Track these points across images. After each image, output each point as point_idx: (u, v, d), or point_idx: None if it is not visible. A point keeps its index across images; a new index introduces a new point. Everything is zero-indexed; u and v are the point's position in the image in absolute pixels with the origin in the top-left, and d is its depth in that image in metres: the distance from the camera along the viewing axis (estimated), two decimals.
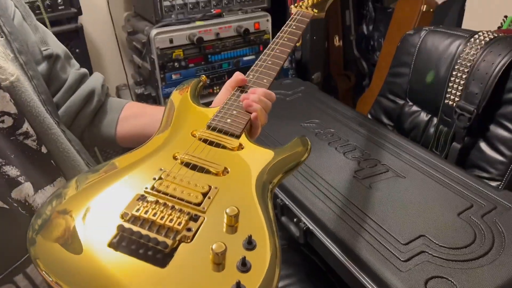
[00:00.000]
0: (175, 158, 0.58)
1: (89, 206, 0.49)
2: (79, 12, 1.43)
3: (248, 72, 0.77)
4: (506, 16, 1.56)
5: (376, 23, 2.59)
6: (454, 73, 1.11)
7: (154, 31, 1.53)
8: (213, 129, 0.65)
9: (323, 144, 1.14)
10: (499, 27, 1.60)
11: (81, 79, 0.80)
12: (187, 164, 0.56)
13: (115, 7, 1.82)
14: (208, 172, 0.56)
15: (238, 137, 0.64)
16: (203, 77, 0.79)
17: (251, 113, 0.68)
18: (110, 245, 0.45)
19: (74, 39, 1.45)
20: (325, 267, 1.22)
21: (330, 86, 2.52)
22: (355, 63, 2.63)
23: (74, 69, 0.80)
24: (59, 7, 1.38)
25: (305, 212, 0.96)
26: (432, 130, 1.22)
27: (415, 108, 1.29)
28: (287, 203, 1.02)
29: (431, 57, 1.20)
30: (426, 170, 1.00)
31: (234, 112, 0.68)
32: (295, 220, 0.99)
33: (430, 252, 0.78)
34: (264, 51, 0.81)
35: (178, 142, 0.62)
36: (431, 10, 1.99)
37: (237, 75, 0.75)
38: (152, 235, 0.45)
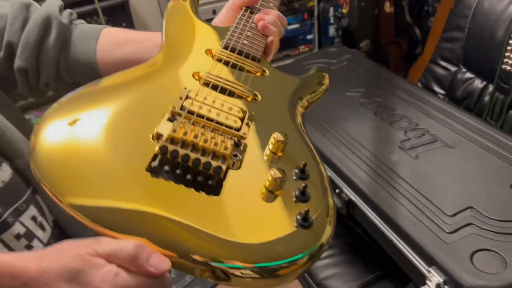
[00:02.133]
0: (196, 77, 0.51)
1: (110, 121, 0.41)
2: None
3: None
4: None
5: None
6: None
7: None
8: (232, 50, 0.57)
9: (368, 114, 1.11)
10: None
11: (27, 8, 0.62)
12: (214, 87, 0.50)
13: None
14: (238, 96, 0.50)
15: (259, 60, 0.58)
16: None
17: (267, 36, 0.62)
18: (150, 169, 0.38)
19: (121, 13, 1.49)
20: (368, 238, 1.21)
21: (380, 55, 2.42)
22: (407, 29, 2.49)
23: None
24: None
25: (347, 183, 0.95)
26: (487, 98, 1.14)
27: (469, 75, 1.21)
28: (328, 174, 1.01)
29: (487, 19, 1.11)
30: (478, 140, 0.94)
31: (249, 33, 0.61)
32: (337, 190, 0.98)
33: (478, 224, 0.75)
34: None
35: (195, 61, 0.55)
36: None
37: None
38: (204, 159, 0.39)
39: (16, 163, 0.53)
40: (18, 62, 0.60)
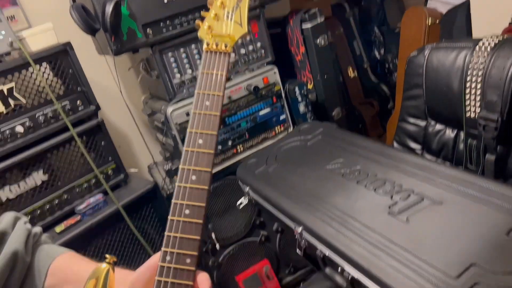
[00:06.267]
0: None
1: None
2: (98, 108, 1.52)
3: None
4: None
5: (387, 46, 2.58)
6: (467, 85, 1.08)
7: (170, 109, 1.59)
8: None
9: (352, 184, 1.12)
10: (510, 23, 1.55)
11: (1, 240, 0.73)
12: None
13: (131, 93, 1.92)
14: None
15: None
16: (108, 257, 0.66)
17: None
18: None
19: (98, 134, 1.53)
20: None
21: (355, 117, 2.50)
22: (375, 89, 2.61)
23: None
24: (79, 108, 1.47)
25: (347, 260, 0.93)
26: (462, 145, 1.17)
27: (438, 126, 1.24)
28: (327, 253, 0.99)
29: (440, 74, 1.17)
30: (463, 191, 0.94)
31: None
32: (339, 269, 0.96)
33: (485, 281, 0.72)
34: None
35: None
36: (437, 21, 1.97)
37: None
38: None
39: None
40: None
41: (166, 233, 0.65)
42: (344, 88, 2.44)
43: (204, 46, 0.72)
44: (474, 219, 0.87)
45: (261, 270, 1.90)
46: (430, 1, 2.22)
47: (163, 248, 0.65)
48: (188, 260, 0.64)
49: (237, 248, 1.85)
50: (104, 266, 0.66)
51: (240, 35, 0.73)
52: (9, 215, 0.78)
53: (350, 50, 2.52)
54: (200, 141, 0.68)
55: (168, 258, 0.64)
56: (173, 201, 0.66)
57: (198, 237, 0.64)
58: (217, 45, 0.72)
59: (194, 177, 0.66)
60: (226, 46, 0.72)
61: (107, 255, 0.66)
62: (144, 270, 0.66)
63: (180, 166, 0.67)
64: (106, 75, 1.73)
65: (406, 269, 0.81)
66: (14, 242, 0.73)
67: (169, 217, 0.65)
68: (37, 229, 0.80)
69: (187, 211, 0.65)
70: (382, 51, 2.62)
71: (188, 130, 0.69)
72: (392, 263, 0.84)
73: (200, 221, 0.65)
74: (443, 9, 2.02)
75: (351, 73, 2.53)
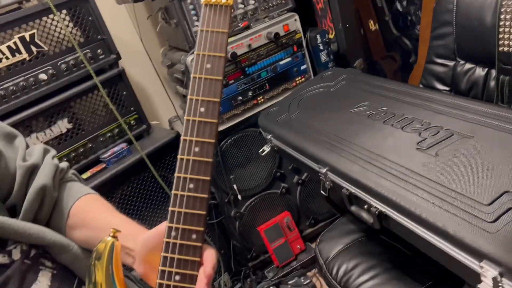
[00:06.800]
0: None
1: None
2: (119, 57, 1.51)
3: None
4: None
5: None
6: (502, 16, 1.03)
7: (189, 58, 1.58)
8: None
9: (378, 124, 1.10)
10: None
11: (30, 174, 0.74)
12: None
13: (150, 45, 1.91)
14: None
15: None
16: (113, 231, 0.65)
17: None
18: None
19: (119, 83, 1.53)
20: (409, 251, 1.16)
21: (376, 71, 2.44)
22: (396, 42, 2.54)
23: (20, 160, 0.74)
24: (100, 57, 1.47)
25: (374, 196, 0.92)
26: (493, 83, 1.13)
27: (468, 65, 1.20)
28: (353, 191, 0.99)
29: (472, 8, 1.12)
30: (494, 124, 0.92)
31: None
32: (365, 206, 0.95)
33: None
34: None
35: None
36: None
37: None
38: None
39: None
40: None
41: (170, 208, 0.62)
42: (365, 42, 2.37)
43: None
44: (506, 149, 0.85)
45: (282, 221, 1.92)
46: None
47: (167, 224, 0.62)
48: (194, 236, 0.61)
49: (258, 200, 1.87)
50: (109, 239, 0.64)
51: None
52: (39, 148, 0.79)
53: (371, 2, 2.44)
54: (202, 109, 0.62)
55: (173, 233, 0.62)
56: (175, 175, 0.62)
57: (204, 212, 0.61)
58: None
59: (197, 149, 0.62)
60: None
61: (112, 229, 0.64)
62: (152, 235, 0.65)
63: (182, 137, 0.62)
64: (125, 26, 1.71)
65: (435, 199, 0.80)
66: (44, 176, 0.74)
67: (173, 192, 0.62)
68: (64, 164, 0.81)
69: (191, 185, 0.61)
70: (404, 3, 2.53)
71: (188, 97, 0.63)
72: (420, 194, 0.83)
73: (206, 196, 0.61)
74: None
75: (372, 26, 2.45)
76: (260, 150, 1.46)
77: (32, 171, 0.74)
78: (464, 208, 0.75)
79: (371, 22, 2.44)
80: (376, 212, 0.91)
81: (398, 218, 0.85)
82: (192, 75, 0.63)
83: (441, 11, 1.22)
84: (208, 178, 0.61)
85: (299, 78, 1.79)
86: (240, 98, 1.69)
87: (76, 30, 1.45)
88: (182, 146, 0.62)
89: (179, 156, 0.62)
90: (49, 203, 0.74)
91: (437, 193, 0.81)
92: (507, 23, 1.02)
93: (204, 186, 0.61)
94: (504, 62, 1.06)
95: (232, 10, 0.64)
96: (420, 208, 0.80)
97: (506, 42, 1.04)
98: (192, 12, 1.58)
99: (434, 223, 0.76)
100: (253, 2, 1.66)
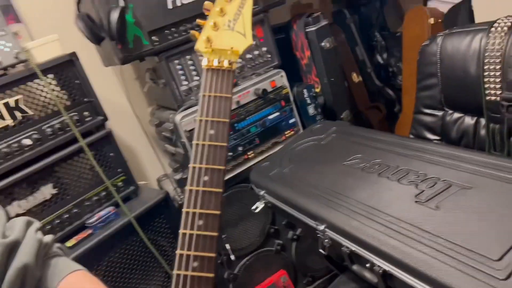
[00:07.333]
0: None
1: None
2: (106, 119, 1.49)
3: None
4: None
5: (389, 50, 2.59)
6: (486, 67, 1.05)
7: (178, 117, 1.57)
8: None
9: (374, 177, 1.07)
10: None
11: (10, 252, 0.69)
12: None
13: (138, 105, 1.90)
14: None
15: None
16: None
17: None
18: None
19: (106, 145, 1.50)
20: None
21: (362, 122, 2.47)
22: (380, 93, 2.60)
23: None
24: (87, 119, 1.45)
25: (376, 253, 0.88)
26: (483, 131, 1.13)
27: (456, 114, 1.21)
28: (354, 249, 0.95)
29: (456, 59, 1.14)
30: (492, 173, 0.90)
31: None
32: (367, 265, 0.91)
33: None
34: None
35: None
36: (439, 20, 1.97)
37: None
38: None
39: None
40: None
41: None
42: (350, 93, 2.42)
43: (204, 63, 0.62)
44: (508, 200, 0.83)
45: (279, 281, 1.84)
46: (429, 1, 2.23)
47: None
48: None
49: (252, 259, 1.80)
50: None
51: (244, 48, 0.62)
52: (20, 221, 0.74)
53: (353, 55, 2.52)
54: (206, 178, 0.60)
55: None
56: (177, 252, 0.59)
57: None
58: (219, 62, 0.61)
59: (201, 222, 0.59)
60: (230, 63, 0.61)
61: None
62: None
63: (184, 210, 0.60)
64: (112, 88, 1.71)
65: (442, 255, 0.77)
66: (25, 254, 0.69)
67: (175, 271, 0.58)
68: (49, 237, 0.76)
69: (195, 264, 0.58)
70: (384, 56, 2.62)
71: (190, 165, 0.60)
72: (425, 251, 0.79)
73: (211, 275, 0.57)
74: (443, 8, 2.02)
75: (356, 78, 2.52)
76: (254, 207, 1.41)
77: (12, 248, 0.69)
78: (473, 265, 0.72)
79: (354, 74, 2.51)
80: (380, 271, 0.87)
81: (404, 278, 0.81)
82: (194, 142, 0.60)
83: (425, 64, 1.25)
84: (213, 254, 0.57)
85: (288, 131, 1.79)
86: (230, 153, 1.67)
87: (62, 94, 1.44)
88: (185, 220, 0.59)
89: (181, 231, 0.59)
90: (31, 283, 0.69)
91: (443, 249, 0.78)
92: (491, 73, 1.04)
93: (210, 264, 0.57)
94: (493, 111, 1.07)
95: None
96: (427, 267, 0.76)
97: (492, 92, 1.05)
98: (180, 72, 1.59)
99: (443, 282, 0.72)
100: (240, 60, 1.69)
